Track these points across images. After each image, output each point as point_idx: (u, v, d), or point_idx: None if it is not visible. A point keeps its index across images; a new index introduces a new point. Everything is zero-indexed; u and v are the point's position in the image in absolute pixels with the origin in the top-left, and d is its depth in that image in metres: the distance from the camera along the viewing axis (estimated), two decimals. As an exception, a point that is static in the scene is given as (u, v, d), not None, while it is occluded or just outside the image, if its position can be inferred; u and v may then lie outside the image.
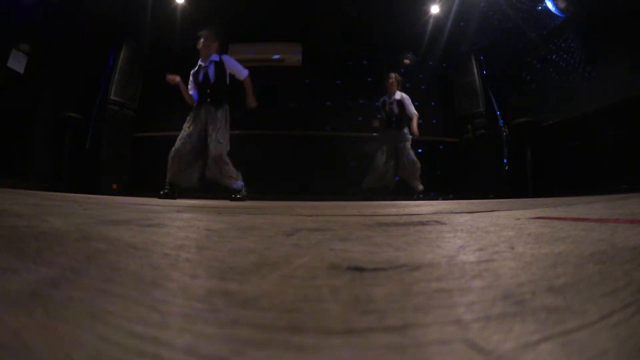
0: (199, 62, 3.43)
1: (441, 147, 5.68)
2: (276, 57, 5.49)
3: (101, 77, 5.03)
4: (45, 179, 4.44)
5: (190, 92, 3.42)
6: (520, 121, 4.66)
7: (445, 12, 4.92)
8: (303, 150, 5.42)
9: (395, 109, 4.38)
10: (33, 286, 0.36)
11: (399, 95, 4.41)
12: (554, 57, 4.41)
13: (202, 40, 3.34)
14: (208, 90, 3.35)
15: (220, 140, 3.28)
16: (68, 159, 4.69)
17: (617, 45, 3.57)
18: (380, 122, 4.56)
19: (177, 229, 0.88)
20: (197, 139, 3.32)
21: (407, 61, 5.68)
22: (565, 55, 4.26)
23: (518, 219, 1.10)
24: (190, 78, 3.44)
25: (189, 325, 0.27)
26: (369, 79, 5.56)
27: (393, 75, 4.43)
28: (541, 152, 4.46)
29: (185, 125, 3.36)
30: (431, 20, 5.07)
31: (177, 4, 4.81)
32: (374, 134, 4.69)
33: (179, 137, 3.33)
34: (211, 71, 3.36)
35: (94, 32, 4.84)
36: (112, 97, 4.93)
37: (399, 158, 4.37)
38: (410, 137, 4.35)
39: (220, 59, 3.41)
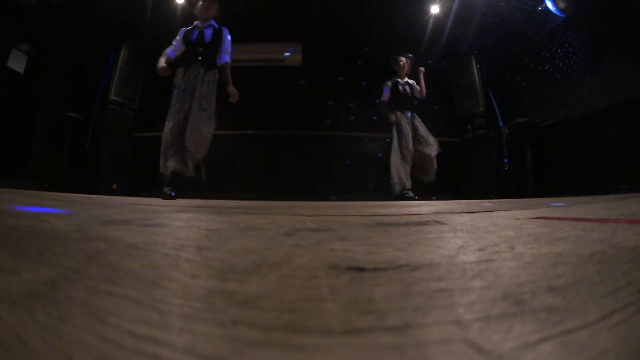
0: (195, 22, 3.08)
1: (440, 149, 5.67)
2: (276, 57, 5.49)
3: (101, 77, 5.03)
4: (45, 179, 4.43)
5: (167, 52, 3.02)
6: (520, 121, 4.66)
7: (445, 12, 4.91)
8: (303, 150, 5.42)
9: (409, 91, 4.22)
10: (33, 286, 0.36)
11: (407, 79, 4.28)
12: (553, 57, 4.41)
13: (203, 1, 3.02)
14: (200, 49, 2.99)
15: (204, 107, 2.89)
16: (68, 159, 4.69)
17: (617, 45, 3.57)
18: (388, 106, 4.20)
19: (177, 229, 0.88)
20: (185, 108, 2.90)
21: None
22: (565, 55, 4.26)
23: (518, 219, 1.10)
24: (177, 37, 3.06)
25: (189, 325, 0.27)
26: (367, 80, 5.56)
27: (404, 58, 4.28)
28: (541, 152, 4.46)
29: (173, 101, 2.94)
30: (431, 20, 5.07)
31: (177, 4, 4.81)
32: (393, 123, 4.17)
33: (169, 118, 2.91)
34: (208, 32, 3.04)
35: (94, 32, 4.84)
36: (112, 97, 4.93)
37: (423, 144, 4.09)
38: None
39: (220, 27, 3.09)
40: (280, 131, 5.41)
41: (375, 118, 5.08)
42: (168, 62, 2.99)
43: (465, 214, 1.37)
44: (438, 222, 1.04)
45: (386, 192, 5.04)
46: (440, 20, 5.04)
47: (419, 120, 4.20)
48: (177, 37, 3.07)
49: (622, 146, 3.45)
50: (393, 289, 0.37)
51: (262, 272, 0.43)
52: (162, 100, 5.42)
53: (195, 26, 3.07)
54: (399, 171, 3.99)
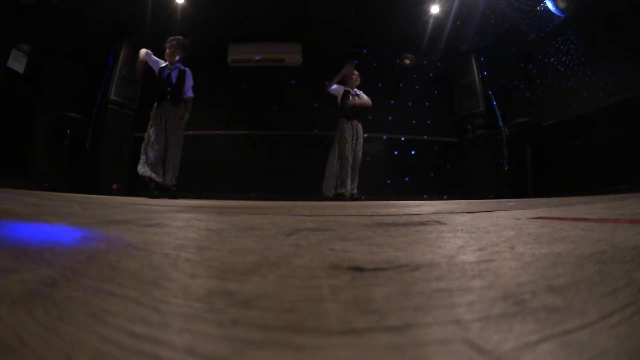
0: (165, 63, 3.79)
1: (435, 147, 5.68)
2: (276, 57, 5.49)
3: (101, 77, 5.03)
4: (45, 179, 4.43)
5: (149, 54, 3.77)
6: (520, 121, 4.67)
7: (445, 12, 4.91)
8: (303, 150, 5.42)
9: (357, 102, 4.43)
10: (33, 286, 0.36)
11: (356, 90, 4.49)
12: (553, 57, 4.41)
13: (169, 48, 3.77)
14: (169, 89, 3.75)
15: (177, 135, 3.76)
16: (68, 159, 4.69)
17: (617, 45, 3.57)
18: (345, 110, 4.39)
19: (177, 229, 0.88)
20: (162, 137, 3.71)
21: (407, 61, 5.68)
22: (565, 55, 4.26)
23: (518, 219, 1.10)
24: (155, 65, 3.78)
25: (189, 325, 0.27)
26: (367, 80, 5.56)
27: (356, 72, 4.47)
28: (541, 152, 4.46)
29: (150, 129, 3.73)
30: (431, 20, 5.07)
31: (177, 4, 4.81)
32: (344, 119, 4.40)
33: (148, 142, 3.69)
34: (174, 74, 3.78)
35: (94, 32, 4.84)
36: (112, 97, 4.93)
37: (356, 152, 4.38)
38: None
39: (184, 69, 3.84)
40: (280, 131, 5.42)
41: (370, 117, 5.08)
42: (143, 63, 3.75)
43: (465, 214, 1.37)
44: (438, 222, 1.04)
45: (386, 192, 5.06)
46: (440, 20, 5.04)
47: (360, 126, 4.47)
48: (157, 61, 3.80)
49: (622, 146, 3.45)
50: (393, 289, 0.37)
51: (262, 272, 0.43)
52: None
53: (166, 67, 3.79)
54: (336, 173, 4.29)
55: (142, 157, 3.68)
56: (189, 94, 3.84)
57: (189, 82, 3.85)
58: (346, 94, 4.39)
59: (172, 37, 3.81)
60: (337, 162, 4.28)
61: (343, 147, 4.27)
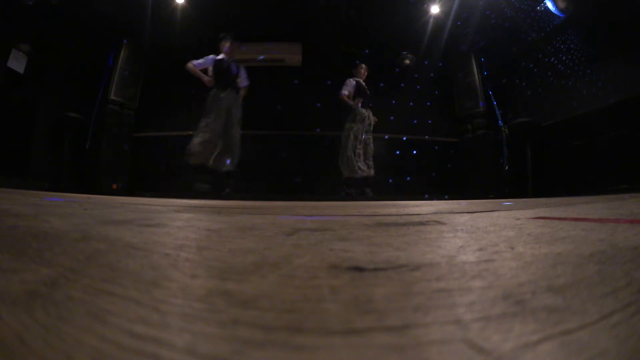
0: (223, 56, 4.08)
1: (436, 147, 5.68)
2: (276, 57, 5.49)
3: (101, 77, 5.03)
4: (45, 179, 4.43)
5: (196, 63, 4.01)
6: (520, 121, 4.66)
7: (445, 12, 4.91)
8: (304, 150, 5.42)
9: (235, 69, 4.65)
10: (33, 286, 0.36)
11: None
12: (553, 57, 4.41)
13: (229, 43, 4.09)
14: (231, 79, 4.09)
15: (238, 119, 4.06)
16: (68, 159, 4.69)
17: (617, 45, 3.57)
18: (354, 98, 4.62)
19: (177, 229, 0.88)
20: (221, 124, 3.93)
21: (407, 61, 5.68)
22: (565, 55, 4.26)
23: (518, 219, 1.10)
24: (209, 62, 4.04)
25: (189, 325, 0.27)
26: (367, 80, 5.56)
27: (364, 65, 4.74)
28: (541, 152, 4.46)
29: (208, 115, 3.92)
30: (431, 20, 5.07)
31: (177, 4, 4.81)
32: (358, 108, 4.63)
33: (204, 125, 3.88)
34: (233, 66, 4.14)
35: (94, 32, 4.83)
36: (112, 97, 4.93)
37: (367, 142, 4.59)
38: None
39: (238, 64, 4.19)
40: (280, 131, 5.41)
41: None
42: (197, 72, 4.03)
43: (465, 214, 1.37)
44: (438, 222, 1.04)
45: (387, 191, 5.05)
46: (440, 20, 5.03)
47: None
48: (206, 59, 4.05)
49: (622, 146, 3.45)
50: (393, 289, 0.37)
51: (262, 272, 0.43)
52: (162, 101, 5.43)
53: (223, 59, 4.08)
54: (351, 159, 4.49)
55: (197, 139, 3.82)
56: (246, 82, 4.20)
57: (244, 73, 4.21)
58: (359, 85, 4.64)
59: (226, 34, 4.11)
60: (351, 148, 4.48)
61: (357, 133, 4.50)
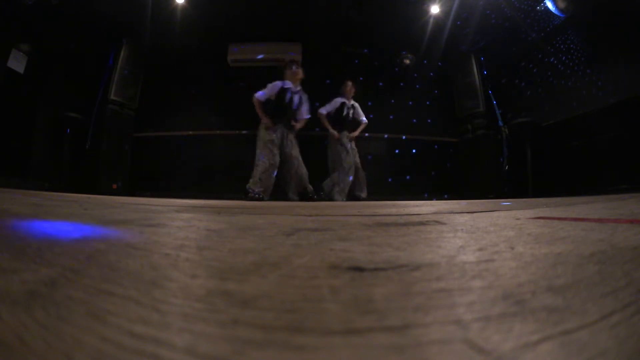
0: (289, 84, 3.90)
1: (435, 147, 5.68)
2: (276, 57, 5.49)
3: (101, 77, 5.03)
4: (45, 179, 4.43)
5: (260, 96, 3.86)
6: (520, 121, 4.67)
7: (445, 12, 4.91)
8: (303, 150, 5.41)
9: (351, 114, 4.44)
10: (33, 286, 0.36)
11: (352, 101, 4.50)
12: (553, 57, 4.41)
13: (294, 68, 3.92)
14: (290, 114, 3.94)
15: (298, 156, 4.00)
16: (68, 159, 4.69)
17: (617, 45, 3.57)
18: (333, 124, 4.37)
19: (177, 229, 0.88)
20: (277, 156, 3.85)
21: (407, 61, 5.68)
22: (565, 55, 4.26)
23: (518, 219, 1.10)
24: (273, 92, 3.86)
25: (189, 325, 0.27)
26: (367, 80, 5.56)
27: (350, 82, 4.48)
28: (541, 152, 4.46)
29: (269, 146, 3.81)
30: (431, 20, 5.07)
31: (177, 4, 4.81)
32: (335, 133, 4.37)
33: (267, 156, 3.79)
34: (297, 98, 3.92)
35: (94, 32, 4.84)
36: (112, 97, 4.93)
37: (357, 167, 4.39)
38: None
39: (305, 95, 4.03)
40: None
41: (371, 115, 5.07)
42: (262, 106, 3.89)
43: (465, 214, 1.37)
44: (438, 222, 1.04)
45: (387, 191, 5.04)
46: (440, 20, 5.03)
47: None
48: (272, 86, 3.87)
49: (622, 146, 3.45)
50: (393, 289, 0.37)
51: (262, 272, 0.43)
52: (162, 101, 5.42)
53: (289, 89, 3.90)
54: (336, 187, 4.23)
55: (254, 176, 3.74)
56: (307, 115, 4.10)
57: (307, 106, 4.08)
58: (342, 106, 4.38)
59: (293, 60, 4.06)
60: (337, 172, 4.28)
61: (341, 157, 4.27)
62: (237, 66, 5.54)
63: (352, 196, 4.33)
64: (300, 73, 3.96)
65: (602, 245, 0.59)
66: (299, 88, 3.98)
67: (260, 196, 3.72)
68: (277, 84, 3.90)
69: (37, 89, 4.45)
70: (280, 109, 3.88)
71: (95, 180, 4.71)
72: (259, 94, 3.85)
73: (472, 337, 0.25)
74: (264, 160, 3.77)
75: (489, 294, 0.35)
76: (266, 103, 3.89)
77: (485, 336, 0.25)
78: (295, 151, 3.96)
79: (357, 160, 4.39)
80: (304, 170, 4.00)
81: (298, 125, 4.05)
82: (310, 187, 4.06)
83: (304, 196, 4.02)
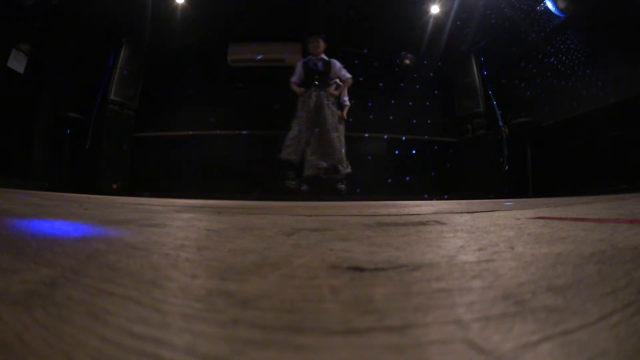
0: (310, 56, 4.13)
1: (435, 147, 5.68)
2: (276, 57, 5.49)
3: (101, 77, 5.03)
4: (45, 179, 4.43)
5: (293, 80, 4.11)
6: (520, 121, 4.66)
7: (445, 12, 4.91)
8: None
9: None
10: (33, 286, 0.36)
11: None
12: (553, 57, 4.41)
13: (314, 43, 4.07)
14: (316, 76, 4.05)
15: (333, 112, 4.02)
16: (68, 159, 4.69)
17: (617, 45, 3.57)
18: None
19: (177, 229, 0.88)
20: (308, 122, 3.95)
21: (407, 61, 5.68)
22: (565, 55, 4.26)
23: (518, 219, 1.10)
24: (299, 69, 4.11)
25: (189, 325, 0.27)
26: (366, 80, 5.56)
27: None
28: (541, 152, 4.46)
29: (299, 114, 3.99)
30: (431, 20, 5.07)
31: (177, 4, 4.81)
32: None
33: (297, 124, 3.94)
34: (320, 64, 4.08)
35: (94, 32, 4.84)
36: (112, 97, 4.92)
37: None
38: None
39: (329, 60, 4.12)
40: (280, 131, 5.41)
41: (371, 116, 5.08)
42: (296, 84, 4.10)
43: (465, 214, 1.37)
44: (438, 222, 1.04)
45: (387, 191, 5.04)
46: (440, 20, 5.03)
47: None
48: (297, 67, 4.15)
49: (622, 146, 3.45)
50: (393, 289, 0.37)
51: (262, 272, 0.43)
52: (162, 101, 5.42)
53: (311, 59, 4.11)
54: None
55: (289, 135, 3.94)
56: (347, 75, 4.10)
57: (338, 65, 4.11)
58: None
59: (314, 33, 4.11)
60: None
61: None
62: (237, 66, 5.54)
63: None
64: (320, 44, 4.08)
65: (602, 245, 0.59)
66: (321, 56, 4.10)
67: (299, 184, 3.93)
68: (300, 61, 4.18)
69: (37, 89, 4.45)
70: (307, 76, 4.07)
71: (95, 180, 4.71)
72: (293, 79, 4.09)
73: (472, 337, 0.25)
74: (293, 128, 3.98)
75: (489, 294, 0.35)
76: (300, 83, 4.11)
77: (485, 336, 0.25)
78: (330, 117, 3.95)
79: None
80: (336, 139, 3.94)
81: (344, 86, 4.12)
82: (343, 169, 3.98)
83: (333, 178, 4.00)
